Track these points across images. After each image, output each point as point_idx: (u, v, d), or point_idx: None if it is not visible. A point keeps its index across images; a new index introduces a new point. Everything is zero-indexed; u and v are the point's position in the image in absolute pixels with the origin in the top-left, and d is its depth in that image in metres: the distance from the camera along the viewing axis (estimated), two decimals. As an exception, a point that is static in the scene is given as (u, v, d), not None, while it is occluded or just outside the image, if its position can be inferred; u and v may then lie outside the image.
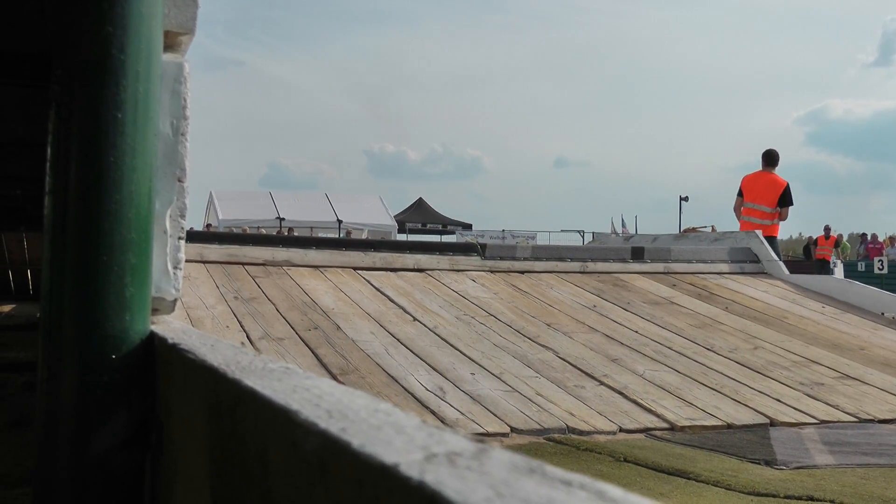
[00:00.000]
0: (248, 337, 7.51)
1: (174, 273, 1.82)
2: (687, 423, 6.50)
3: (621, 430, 6.36)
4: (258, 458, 0.78)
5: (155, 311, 1.73)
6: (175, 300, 1.83)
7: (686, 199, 35.59)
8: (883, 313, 10.74)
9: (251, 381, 0.83)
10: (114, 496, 1.52)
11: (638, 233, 23.92)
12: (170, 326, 1.63)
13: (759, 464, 5.50)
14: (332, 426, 0.60)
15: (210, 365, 1.01)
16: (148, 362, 1.55)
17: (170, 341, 1.35)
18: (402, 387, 6.69)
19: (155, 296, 1.71)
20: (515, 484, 0.46)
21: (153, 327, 1.58)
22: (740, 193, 11.83)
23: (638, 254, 11.96)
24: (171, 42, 1.87)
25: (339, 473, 0.58)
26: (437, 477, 0.47)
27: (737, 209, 12.05)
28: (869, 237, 26.89)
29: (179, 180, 1.83)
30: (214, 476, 0.98)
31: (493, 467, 0.49)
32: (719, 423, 6.61)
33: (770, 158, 11.64)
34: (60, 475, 1.52)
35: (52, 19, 1.60)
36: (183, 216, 1.86)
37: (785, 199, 11.51)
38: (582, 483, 0.46)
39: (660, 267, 11.80)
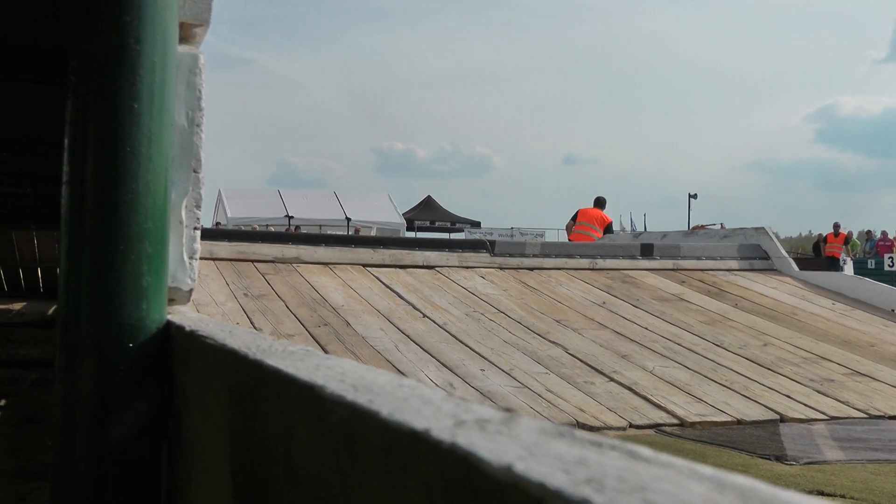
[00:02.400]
0: (258, 333, 7.53)
1: (190, 263, 1.83)
2: (697, 419, 6.50)
3: (631, 425, 6.36)
4: (281, 436, 0.79)
5: (171, 300, 1.74)
6: (191, 290, 1.84)
7: (695, 196, 35.54)
8: (893, 310, 10.71)
9: (273, 361, 0.84)
10: (131, 484, 1.53)
11: (647, 230, 23.88)
12: (186, 315, 1.64)
13: (769, 459, 5.49)
14: (359, 398, 0.61)
15: (231, 348, 1.01)
16: (164, 351, 1.55)
17: (187, 329, 1.36)
18: (412, 383, 6.70)
19: (171, 285, 1.72)
20: (546, 445, 0.46)
21: (169, 317, 1.58)
22: (574, 218, 14.38)
23: (647, 251, 11.94)
24: (187, 34, 1.88)
25: (366, 442, 0.58)
26: (468, 439, 0.47)
27: (568, 228, 14.71)
28: (879, 234, 26.78)
29: (195, 171, 1.84)
30: (234, 457, 0.99)
31: (522, 432, 0.49)
32: (729, 419, 6.60)
33: (600, 202, 14.59)
34: (78, 464, 1.53)
35: (68, 11, 1.61)
36: (198, 206, 1.87)
37: (608, 230, 14.37)
38: (612, 444, 0.46)
39: (669, 264, 11.78)
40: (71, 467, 1.54)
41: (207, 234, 10.37)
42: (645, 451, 0.44)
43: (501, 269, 10.86)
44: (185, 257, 1.82)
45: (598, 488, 0.38)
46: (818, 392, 7.25)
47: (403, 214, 33.98)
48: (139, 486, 1.54)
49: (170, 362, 1.55)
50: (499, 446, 0.46)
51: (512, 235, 30.73)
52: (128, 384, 1.54)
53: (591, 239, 13.78)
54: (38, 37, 3.99)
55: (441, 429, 0.50)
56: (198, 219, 1.86)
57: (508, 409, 0.55)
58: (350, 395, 0.62)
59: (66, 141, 1.58)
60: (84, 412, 1.53)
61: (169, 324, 1.56)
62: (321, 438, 0.67)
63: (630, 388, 7.01)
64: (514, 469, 0.41)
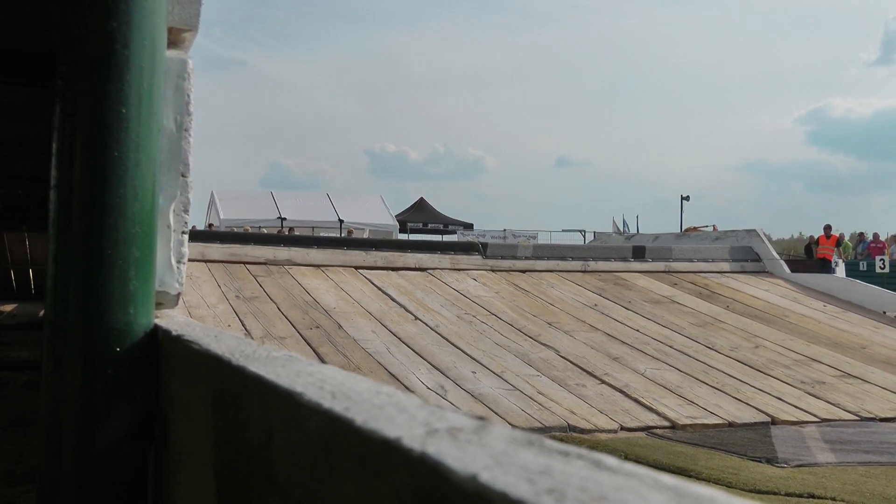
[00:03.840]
0: (249, 336, 7.52)
1: (178, 267, 1.83)
2: (688, 422, 6.52)
3: (622, 428, 6.38)
4: (262, 442, 0.79)
5: (159, 304, 1.74)
6: (178, 294, 1.84)
7: (687, 198, 35.52)
8: (885, 312, 10.75)
9: (256, 368, 0.85)
10: (118, 488, 1.53)
11: (639, 232, 23.92)
12: (174, 320, 1.64)
13: (760, 462, 5.51)
14: (336, 406, 0.61)
15: (214, 354, 1.02)
16: (152, 355, 1.55)
17: (174, 333, 1.36)
18: (404, 385, 6.70)
19: (158, 290, 1.72)
20: (514, 454, 0.47)
21: (157, 321, 1.59)
22: None
23: (639, 253, 11.97)
24: (175, 38, 1.88)
25: (342, 451, 0.59)
26: (438, 448, 0.48)
27: None
28: (870, 236, 26.83)
29: (183, 175, 1.84)
30: (218, 462, 1.00)
31: (492, 440, 0.50)
32: (720, 421, 6.63)
33: None
34: (65, 468, 1.53)
35: (57, 15, 1.61)
36: (186, 211, 1.87)
37: None
38: (579, 454, 0.47)
39: (661, 266, 11.82)
40: (58, 471, 1.54)
41: (199, 236, 10.37)
42: (610, 460, 0.45)
43: (493, 271, 10.88)
44: (173, 261, 1.82)
45: (559, 498, 0.39)
46: (809, 394, 7.28)
47: (396, 216, 33.96)
48: (126, 489, 1.54)
49: (157, 366, 1.55)
50: (467, 455, 0.46)
51: (504, 237, 30.73)
52: (115, 388, 1.54)
53: None
54: (28, 40, 3.99)
55: (412, 437, 0.51)
56: (186, 223, 1.86)
57: (481, 418, 0.55)
58: (327, 403, 0.63)
59: (53, 145, 1.58)
60: (71, 416, 1.54)
61: (156, 328, 1.57)
62: (300, 445, 0.68)
63: (621, 391, 7.03)
64: (480, 479, 0.42)
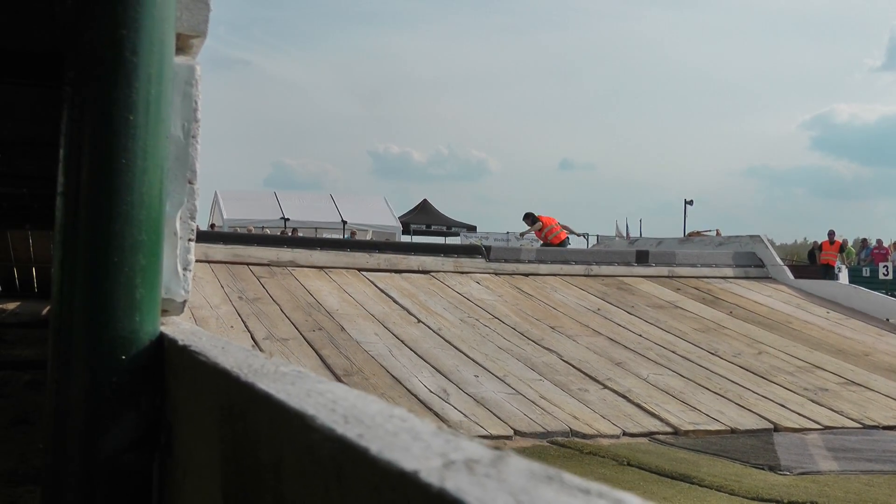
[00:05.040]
0: (252, 337, 7.52)
1: (184, 275, 1.83)
2: (691, 428, 6.51)
3: (625, 433, 6.37)
4: (272, 462, 0.79)
5: (164, 312, 1.73)
6: (184, 301, 1.84)
7: (691, 202, 35.52)
8: (888, 319, 10.73)
9: (264, 385, 0.84)
10: (122, 496, 1.53)
11: (643, 236, 23.89)
12: (179, 328, 1.64)
13: (762, 469, 5.50)
14: (348, 432, 0.61)
15: (222, 368, 1.01)
16: (157, 363, 1.55)
17: (180, 343, 1.36)
18: (406, 388, 6.69)
19: (164, 297, 1.71)
20: (535, 492, 0.46)
21: (163, 328, 1.58)
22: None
23: (642, 257, 11.96)
24: (183, 45, 1.88)
25: (356, 479, 0.58)
26: (457, 484, 0.47)
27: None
28: (874, 242, 26.82)
29: (190, 182, 1.84)
30: (226, 478, 0.99)
31: (511, 475, 0.49)
32: (723, 427, 6.62)
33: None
34: (69, 475, 1.52)
35: (65, 21, 1.61)
36: (193, 218, 1.87)
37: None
38: (600, 492, 0.46)
39: (664, 271, 11.81)
40: (62, 478, 1.54)
41: (203, 237, 10.36)
42: (633, 500, 0.44)
43: (497, 274, 10.88)
44: (180, 269, 1.82)
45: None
46: (812, 401, 7.26)
47: (399, 218, 33.98)
48: (130, 498, 1.54)
49: (162, 375, 1.55)
50: (487, 494, 0.46)
51: (508, 240, 30.73)
52: (120, 396, 1.54)
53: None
54: (34, 40, 3.99)
55: (430, 470, 0.50)
56: (192, 230, 1.86)
57: (498, 448, 0.55)
58: (340, 428, 0.62)
59: (61, 151, 1.58)
60: (76, 423, 1.53)
61: (162, 336, 1.56)
62: (311, 469, 0.67)
63: (624, 396, 7.02)
64: (501, 520, 0.42)
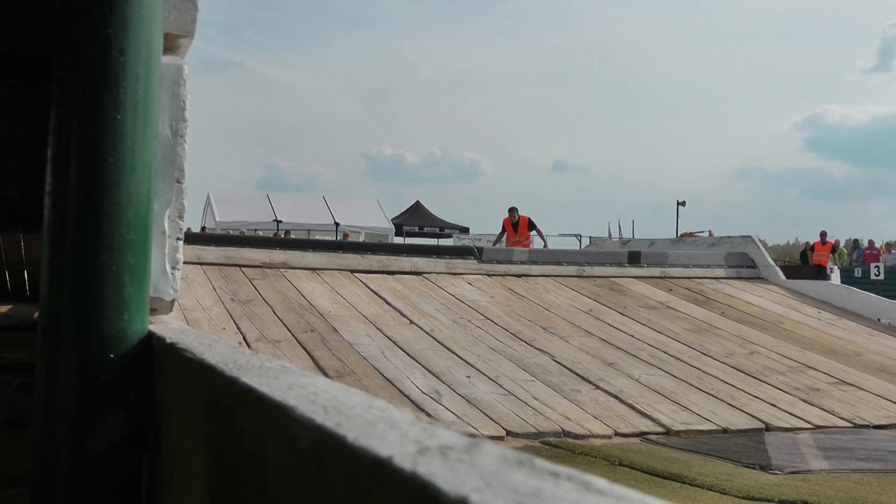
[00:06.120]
0: (244, 339, 7.52)
1: (172, 273, 1.83)
2: (682, 428, 6.52)
3: (617, 434, 6.38)
4: (255, 454, 0.79)
5: (153, 311, 1.74)
6: (173, 300, 1.84)
7: (683, 203, 35.59)
8: (879, 319, 10.77)
9: (248, 379, 0.85)
10: (111, 494, 1.53)
11: (635, 237, 23.93)
12: (168, 326, 1.64)
13: (754, 468, 5.51)
14: (327, 421, 0.61)
15: (208, 363, 1.02)
16: (146, 362, 1.56)
17: (168, 340, 1.36)
18: (399, 389, 6.70)
19: (153, 296, 1.72)
20: (505, 475, 0.47)
21: (151, 327, 1.59)
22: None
23: (635, 258, 11.98)
24: (171, 44, 1.89)
25: (334, 467, 0.59)
26: (429, 468, 0.48)
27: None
28: (865, 243, 26.91)
29: (178, 181, 1.85)
30: (212, 472, 1.00)
31: (483, 460, 0.50)
32: (714, 427, 6.63)
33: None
34: (58, 473, 1.53)
35: (54, 21, 1.61)
36: (181, 217, 1.87)
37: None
38: (569, 475, 0.47)
39: (656, 271, 11.83)
40: (51, 476, 1.54)
41: (195, 239, 10.35)
42: (600, 482, 0.45)
43: (489, 275, 10.89)
44: (168, 268, 1.83)
45: (548, 522, 0.39)
46: (803, 401, 7.29)
47: (392, 219, 33.97)
48: (119, 495, 1.54)
49: (151, 372, 1.55)
50: (458, 476, 0.47)
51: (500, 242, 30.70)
52: (109, 394, 1.54)
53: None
54: (25, 41, 3.99)
55: (403, 456, 0.51)
56: (180, 229, 1.86)
57: (472, 435, 0.56)
58: (320, 418, 0.63)
59: (49, 151, 1.58)
60: (65, 422, 1.54)
61: (150, 334, 1.57)
62: (292, 459, 0.68)
63: (616, 396, 7.04)
64: (470, 501, 0.42)
